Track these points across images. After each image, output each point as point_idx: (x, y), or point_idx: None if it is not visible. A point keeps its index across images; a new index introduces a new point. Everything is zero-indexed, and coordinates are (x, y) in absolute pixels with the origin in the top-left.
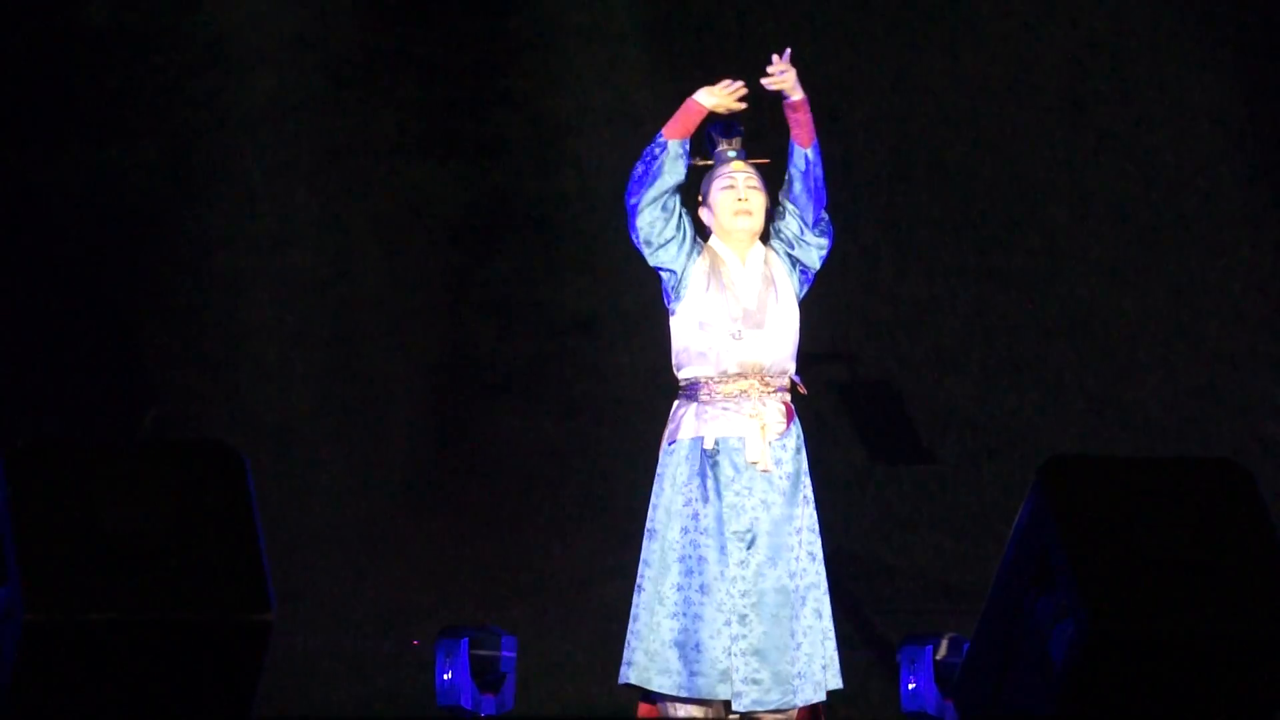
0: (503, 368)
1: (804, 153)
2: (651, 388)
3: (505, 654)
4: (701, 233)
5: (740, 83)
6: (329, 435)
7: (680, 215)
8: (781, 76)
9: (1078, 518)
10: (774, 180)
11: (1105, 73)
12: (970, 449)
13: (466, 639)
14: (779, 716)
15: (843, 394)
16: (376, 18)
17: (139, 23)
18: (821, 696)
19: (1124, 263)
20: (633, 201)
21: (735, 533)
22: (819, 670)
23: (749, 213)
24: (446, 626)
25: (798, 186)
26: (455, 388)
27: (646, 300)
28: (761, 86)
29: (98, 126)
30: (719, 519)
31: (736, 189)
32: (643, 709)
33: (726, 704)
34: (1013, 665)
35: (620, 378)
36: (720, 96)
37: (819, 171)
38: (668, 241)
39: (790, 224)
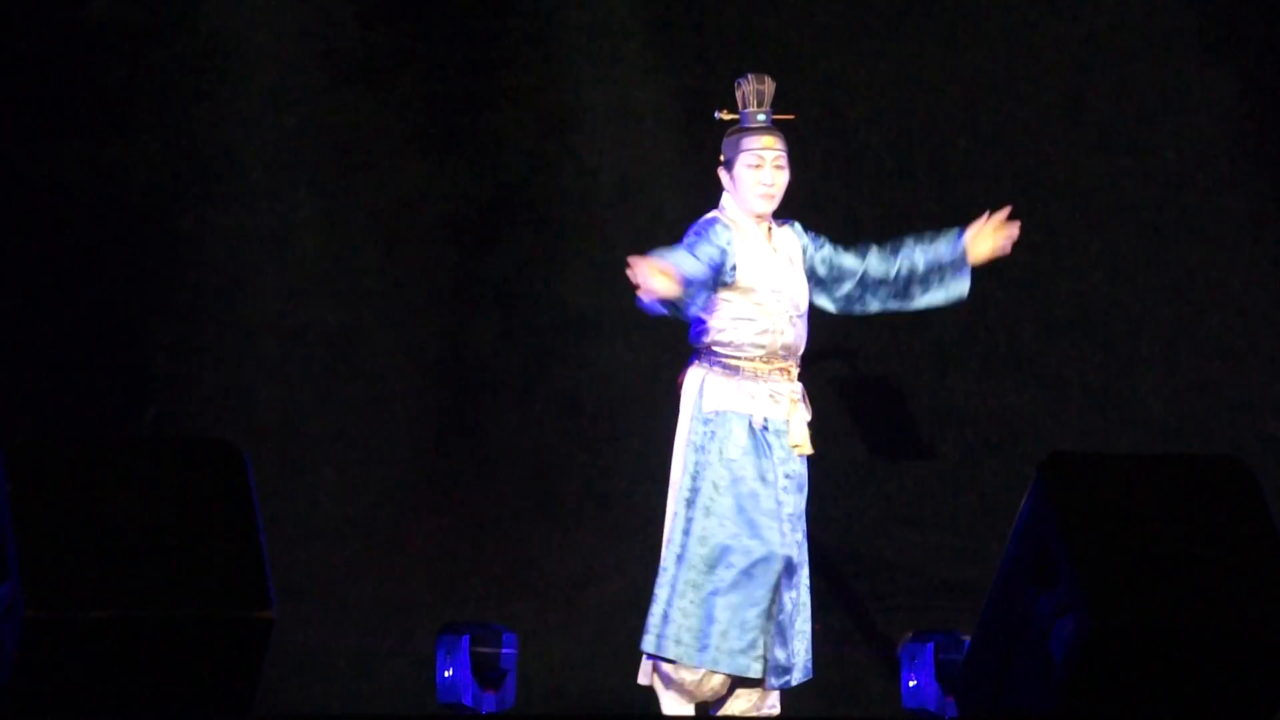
0: (503, 364)
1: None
2: (652, 385)
3: (506, 651)
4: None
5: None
6: (330, 432)
7: (716, 261)
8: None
9: (1078, 514)
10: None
11: (1106, 69)
12: (971, 445)
13: (467, 636)
14: (759, 692)
15: (843, 390)
16: (377, 14)
17: (140, 19)
18: (809, 677)
19: (1125, 259)
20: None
21: (790, 515)
22: (806, 653)
23: (772, 197)
24: (447, 623)
25: (877, 277)
26: (456, 384)
27: None
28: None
29: (98, 122)
30: (778, 501)
31: (763, 169)
32: (646, 669)
33: (749, 681)
34: (1014, 661)
35: (621, 374)
36: (647, 288)
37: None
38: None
39: (830, 263)
